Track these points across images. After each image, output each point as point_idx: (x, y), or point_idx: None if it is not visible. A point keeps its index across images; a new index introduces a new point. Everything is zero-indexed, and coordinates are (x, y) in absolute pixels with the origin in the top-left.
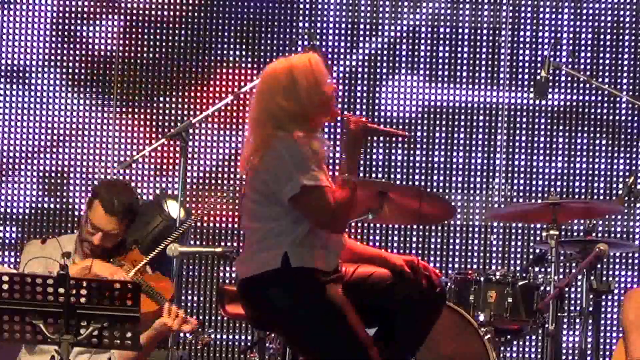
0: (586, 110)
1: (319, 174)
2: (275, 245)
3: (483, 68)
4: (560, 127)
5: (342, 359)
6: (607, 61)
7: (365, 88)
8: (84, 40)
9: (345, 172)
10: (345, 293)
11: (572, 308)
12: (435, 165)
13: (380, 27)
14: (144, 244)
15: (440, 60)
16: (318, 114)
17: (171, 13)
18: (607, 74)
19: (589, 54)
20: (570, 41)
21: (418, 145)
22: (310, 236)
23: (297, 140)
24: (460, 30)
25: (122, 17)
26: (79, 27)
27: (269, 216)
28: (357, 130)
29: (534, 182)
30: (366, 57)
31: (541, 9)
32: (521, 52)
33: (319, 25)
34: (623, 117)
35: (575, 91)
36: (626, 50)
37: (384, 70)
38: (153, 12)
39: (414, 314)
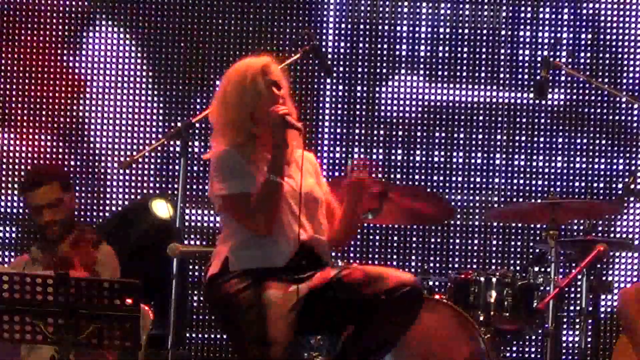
0: (586, 110)
1: (231, 181)
2: (220, 251)
3: (483, 68)
4: (560, 127)
5: (239, 354)
6: (607, 61)
7: (365, 88)
8: (85, 39)
9: (269, 170)
10: (319, 292)
11: (572, 308)
12: (435, 165)
13: (380, 27)
14: (130, 244)
15: (440, 60)
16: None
17: (170, 13)
18: (607, 74)
19: (588, 54)
20: (570, 41)
21: (418, 145)
22: (252, 239)
23: (217, 151)
24: (460, 30)
25: (120, 17)
26: (77, 26)
27: (224, 222)
28: (276, 123)
29: (533, 182)
30: (366, 57)
31: (541, 9)
32: (521, 52)
33: (319, 25)
34: (623, 117)
35: (575, 91)
36: (626, 50)
37: (384, 70)
38: (153, 12)
39: (381, 315)
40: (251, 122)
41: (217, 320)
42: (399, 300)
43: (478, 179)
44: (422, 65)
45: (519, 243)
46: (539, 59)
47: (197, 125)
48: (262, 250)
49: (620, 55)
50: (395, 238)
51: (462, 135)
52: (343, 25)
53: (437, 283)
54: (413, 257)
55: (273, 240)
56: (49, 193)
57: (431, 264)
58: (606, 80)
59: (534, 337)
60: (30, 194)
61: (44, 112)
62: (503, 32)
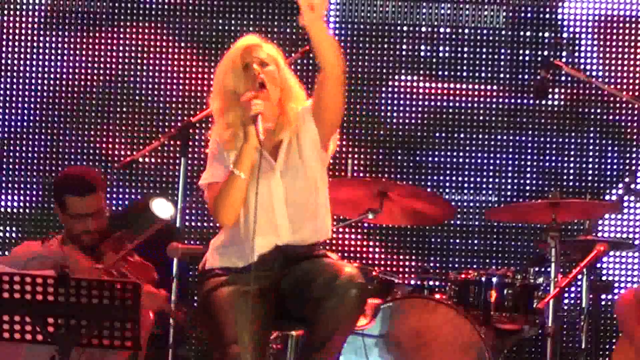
0: (586, 110)
1: (209, 170)
2: (207, 251)
3: (483, 68)
4: (560, 127)
5: (214, 352)
6: (607, 61)
7: (365, 88)
8: (84, 37)
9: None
10: (285, 289)
11: (572, 308)
12: (435, 165)
13: (380, 27)
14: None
15: (441, 60)
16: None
17: (171, 12)
18: (606, 73)
19: (588, 54)
20: (570, 41)
21: (418, 145)
22: (229, 235)
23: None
24: (460, 30)
25: (121, 17)
26: (78, 26)
27: None
28: (248, 116)
29: (533, 182)
30: (366, 57)
31: (541, 9)
32: (521, 52)
33: None
34: (623, 117)
35: (575, 91)
36: (626, 50)
37: (384, 71)
38: (154, 12)
39: (319, 307)
40: (237, 107)
41: (197, 320)
42: (334, 292)
43: (478, 179)
44: (422, 65)
45: (519, 243)
46: (539, 59)
47: (197, 125)
48: (234, 249)
49: (619, 55)
50: (395, 238)
51: (462, 135)
52: (343, 25)
53: (437, 283)
54: (413, 257)
55: (246, 239)
56: (97, 201)
57: (431, 264)
58: (606, 80)
59: (534, 337)
60: (77, 199)
61: (43, 112)
62: (504, 32)
